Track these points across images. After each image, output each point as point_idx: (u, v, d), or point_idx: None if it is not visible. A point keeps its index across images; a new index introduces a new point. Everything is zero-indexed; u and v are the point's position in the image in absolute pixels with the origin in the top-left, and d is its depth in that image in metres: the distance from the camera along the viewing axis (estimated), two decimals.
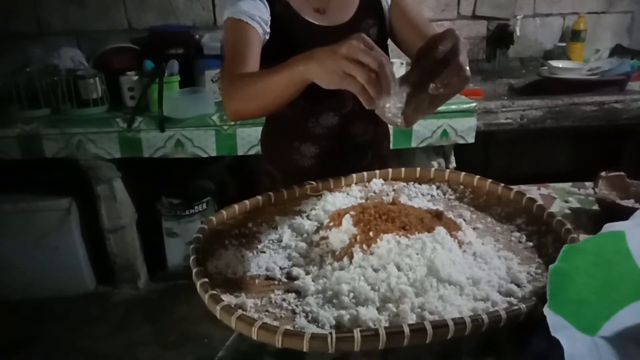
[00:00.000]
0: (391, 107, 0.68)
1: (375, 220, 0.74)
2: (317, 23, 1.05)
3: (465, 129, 2.01)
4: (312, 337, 0.52)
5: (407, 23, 1.08)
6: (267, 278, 0.70)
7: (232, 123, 1.96)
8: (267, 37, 1.02)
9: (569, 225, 0.74)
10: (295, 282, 0.68)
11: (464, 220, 0.85)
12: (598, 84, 2.16)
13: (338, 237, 0.73)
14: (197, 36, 2.35)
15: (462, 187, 0.95)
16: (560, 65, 2.26)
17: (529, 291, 0.65)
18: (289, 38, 1.03)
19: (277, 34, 1.02)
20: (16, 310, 2.17)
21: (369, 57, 0.65)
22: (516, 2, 2.60)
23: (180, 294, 2.21)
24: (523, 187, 1.07)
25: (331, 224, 0.77)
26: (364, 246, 0.69)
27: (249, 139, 1.99)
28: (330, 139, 1.11)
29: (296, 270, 0.71)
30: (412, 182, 0.98)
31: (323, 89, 0.94)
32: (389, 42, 1.12)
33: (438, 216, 0.78)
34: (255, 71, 0.92)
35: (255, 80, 0.85)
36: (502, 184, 0.89)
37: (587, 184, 1.13)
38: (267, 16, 1.01)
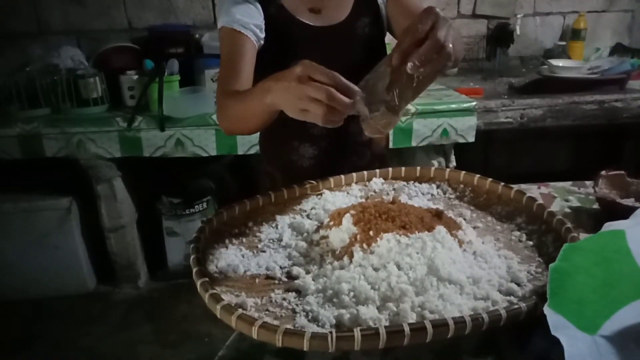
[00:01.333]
0: (363, 116, 0.69)
1: (376, 219, 0.74)
2: (312, 24, 1.05)
3: (465, 128, 2.01)
4: (312, 336, 0.52)
5: (409, 16, 1.06)
6: (268, 277, 0.70)
7: None
8: (262, 42, 1.02)
9: (569, 224, 0.74)
10: (296, 281, 0.68)
11: (464, 219, 0.85)
12: (598, 83, 2.15)
13: (338, 236, 0.73)
14: (197, 35, 2.35)
15: (462, 186, 0.95)
16: (561, 64, 2.26)
17: (529, 290, 0.65)
18: (285, 40, 1.03)
19: (273, 37, 1.02)
20: (16, 309, 2.17)
21: (316, 92, 0.64)
22: (516, 1, 2.60)
23: (180, 293, 2.21)
24: (523, 186, 1.07)
25: (331, 223, 0.77)
26: (364, 245, 0.69)
27: (249, 138, 1.99)
28: (329, 139, 1.11)
29: (296, 270, 0.71)
30: (412, 181, 0.98)
31: None
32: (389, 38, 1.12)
33: (438, 215, 0.78)
34: (240, 91, 0.92)
35: (238, 103, 0.87)
36: (502, 183, 0.89)
37: (588, 182, 1.13)
38: (260, 21, 1.01)
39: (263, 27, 1.01)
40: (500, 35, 2.55)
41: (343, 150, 1.12)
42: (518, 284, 0.66)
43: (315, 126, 1.09)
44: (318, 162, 1.13)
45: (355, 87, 0.67)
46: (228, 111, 0.92)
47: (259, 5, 1.01)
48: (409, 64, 0.66)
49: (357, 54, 1.06)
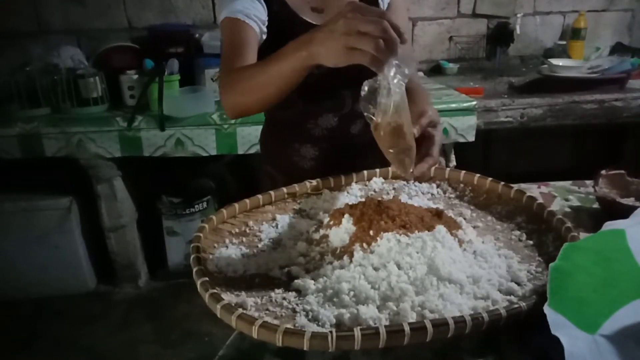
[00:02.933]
0: (396, 73, 0.67)
1: (376, 218, 0.73)
2: (315, 23, 1.05)
3: (465, 128, 2.01)
4: (312, 335, 0.52)
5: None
6: (268, 277, 0.70)
7: (232, 122, 1.96)
8: (264, 36, 1.01)
9: (569, 224, 0.74)
10: (296, 280, 0.68)
11: (464, 218, 0.85)
12: (598, 82, 2.15)
13: (338, 235, 0.73)
14: (197, 35, 2.35)
15: (462, 185, 0.95)
16: (561, 64, 2.26)
17: (529, 289, 0.65)
18: (287, 37, 1.02)
19: (275, 34, 1.01)
20: (17, 309, 2.17)
21: (369, 25, 0.64)
22: (516, 0, 2.60)
23: (180, 292, 2.21)
24: (523, 186, 1.07)
25: (331, 222, 0.77)
26: (364, 245, 0.69)
27: (249, 137, 1.99)
28: (330, 141, 1.11)
29: (296, 269, 0.71)
30: (413, 181, 0.98)
31: (322, 90, 0.93)
32: None
33: (438, 215, 0.78)
34: (253, 64, 0.90)
35: (253, 72, 0.84)
36: (503, 183, 0.89)
37: (588, 182, 1.13)
38: (264, 16, 1.00)
39: (266, 22, 1.00)
40: (501, 34, 2.55)
41: (344, 151, 1.12)
42: (518, 284, 0.66)
43: (316, 127, 1.11)
44: (319, 164, 1.12)
45: (401, 28, 0.66)
46: (241, 84, 0.86)
47: (262, 1, 1.01)
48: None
49: None
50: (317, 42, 0.70)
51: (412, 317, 0.59)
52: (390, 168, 1.00)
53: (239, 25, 0.96)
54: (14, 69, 2.10)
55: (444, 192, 0.95)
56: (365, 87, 0.70)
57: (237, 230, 0.81)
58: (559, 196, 1.08)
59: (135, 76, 2.09)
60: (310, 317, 0.61)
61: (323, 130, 1.09)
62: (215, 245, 0.76)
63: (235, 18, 0.96)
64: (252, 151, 2.01)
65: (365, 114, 0.71)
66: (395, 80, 0.67)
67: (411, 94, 0.78)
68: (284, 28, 1.02)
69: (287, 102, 0.93)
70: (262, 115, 2.04)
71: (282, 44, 1.02)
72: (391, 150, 0.73)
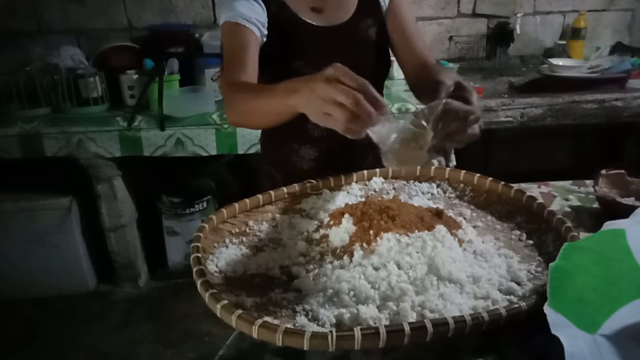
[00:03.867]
0: (381, 136, 0.67)
1: (376, 218, 0.74)
2: (314, 23, 1.05)
3: None
4: (312, 335, 0.52)
5: (399, 30, 1.09)
6: (268, 277, 0.70)
7: None
8: (265, 39, 1.01)
9: (569, 223, 0.74)
10: (296, 280, 0.68)
11: (464, 218, 0.85)
12: (598, 82, 2.15)
13: (338, 235, 0.73)
14: (197, 35, 2.35)
15: (462, 185, 0.95)
16: (561, 63, 2.25)
17: (529, 289, 0.65)
18: (287, 39, 1.03)
19: (275, 35, 1.02)
20: (17, 308, 2.17)
21: (343, 95, 0.62)
22: (516, 0, 2.60)
23: (180, 292, 2.22)
24: (523, 185, 1.07)
25: (331, 222, 0.77)
26: (364, 244, 0.69)
27: (249, 137, 1.99)
28: (329, 142, 1.10)
29: (296, 269, 0.71)
30: (412, 181, 0.98)
31: None
32: None
33: (438, 214, 0.78)
34: (251, 85, 0.91)
35: (251, 98, 0.85)
36: (503, 182, 0.89)
37: (588, 182, 1.13)
38: (263, 18, 1.00)
39: (266, 23, 1.01)
40: (501, 34, 2.55)
41: (344, 152, 1.11)
42: (518, 283, 0.66)
43: (316, 128, 1.10)
44: (318, 164, 1.12)
45: (383, 101, 0.66)
46: (239, 106, 0.88)
47: (261, 3, 1.01)
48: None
49: (360, 56, 1.06)
50: (301, 96, 0.69)
51: (412, 317, 0.59)
52: (390, 168, 0.99)
53: (240, 30, 0.97)
54: (13, 69, 2.10)
55: (444, 192, 0.95)
56: (374, 138, 0.69)
57: (237, 230, 0.81)
58: (559, 196, 1.08)
59: (135, 76, 2.09)
60: (310, 317, 0.61)
61: (322, 131, 1.09)
62: (215, 245, 0.76)
63: (236, 22, 0.97)
64: (252, 151, 2.01)
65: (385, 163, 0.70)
66: (389, 136, 0.66)
67: (442, 79, 0.75)
68: (284, 29, 1.02)
69: None
70: None
71: (282, 44, 1.02)
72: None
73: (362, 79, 0.64)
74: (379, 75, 1.11)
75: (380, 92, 1.12)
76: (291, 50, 1.03)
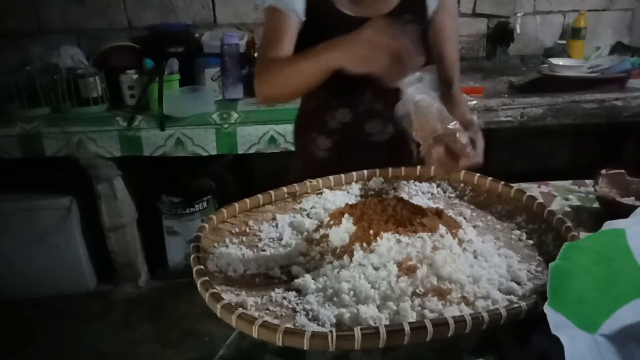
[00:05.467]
0: (418, 88, 0.72)
1: (376, 218, 0.74)
2: (350, 13, 1.06)
3: None
4: (312, 335, 0.52)
5: (434, 37, 1.10)
6: (268, 276, 0.70)
7: (232, 122, 1.97)
8: (302, 26, 1.05)
9: (569, 223, 0.74)
10: (296, 280, 0.68)
11: (464, 218, 0.85)
12: (598, 82, 2.15)
13: (338, 235, 0.73)
14: (197, 34, 2.34)
15: (462, 185, 0.95)
16: (561, 63, 2.25)
17: (529, 289, 0.65)
18: (320, 27, 1.05)
19: (312, 23, 1.05)
20: (17, 308, 2.17)
21: (392, 41, 0.69)
22: (516, 0, 2.60)
23: (180, 292, 2.21)
24: (523, 185, 1.07)
25: (331, 222, 0.77)
26: (364, 244, 0.69)
27: (249, 137, 1.99)
28: (344, 135, 1.14)
29: (296, 269, 0.71)
30: (413, 180, 0.98)
31: (343, 84, 0.98)
32: None
33: (438, 214, 0.78)
34: (287, 56, 0.97)
35: (285, 65, 0.92)
36: (503, 182, 0.89)
37: (588, 181, 1.13)
38: (303, 6, 1.04)
39: (304, 10, 1.05)
40: (501, 34, 2.55)
41: (357, 147, 1.14)
42: (518, 283, 0.66)
43: (333, 119, 1.14)
44: (332, 155, 1.16)
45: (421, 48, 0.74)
46: (272, 74, 0.94)
47: None
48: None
49: None
50: (344, 47, 0.76)
51: (412, 317, 0.58)
52: (390, 168, 1.00)
53: (280, 15, 1.02)
54: (13, 68, 2.10)
55: (444, 192, 0.95)
56: (398, 108, 0.75)
57: (237, 230, 0.81)
58: (559, 196, 1.08)
59: (135, 76, 2.09)
60: (310, 316, 0.61)
61: (338, 124, 1.13)
62: (215, 245, 0.76)
63: (278, 8, 1.02)
64: (252, 151, 2.01)
65: (410, 133, 0.76)
66: (418, 97, 0.72)
67: (455, 105, 0.84)
68: (319, 16, 1.05)
69: (314, 91, 1.00)
70: (264, 116, 2.05)
71: (315, 32, 1.06)
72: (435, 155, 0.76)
73: (402, 29, 0.71)
74: None
75: None
76: (322, 38, 1.05)
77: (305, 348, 0.52)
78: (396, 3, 1.07)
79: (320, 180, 0.93)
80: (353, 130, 1.13)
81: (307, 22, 1.05)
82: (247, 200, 0.85)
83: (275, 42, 1.00)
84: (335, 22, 1.05)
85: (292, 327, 0.57)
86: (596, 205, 1.01)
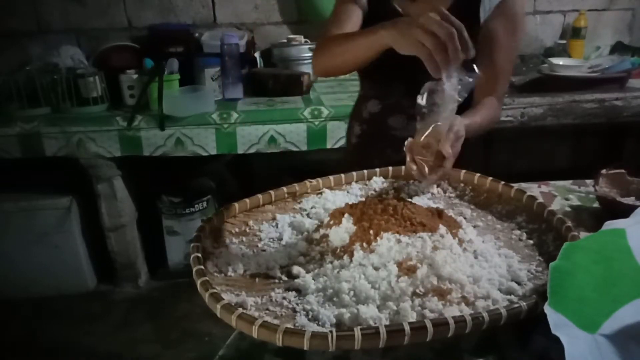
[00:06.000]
0: (449, 84, 0.72)
1: (376, 218, 0.73)
2: (403, 12, 1.08)
3: None
4: (312, 335, 0.52)
5: (484, 45, 1.08)
6: (268, 276, 0.70)
7: (232, 121, 1.97)
8: (364, 17, 1.11)
9: (569, 223, 0.73)
10: (296, 280, 0.68)
11: (465, 218, 0.85)
12: (599, 82, 2.15)
13: (338, 235, 0.73)
14: (196, 34, 2.35)
15: (462, 185, 0.95)
16: (561, 63, 2.25)
17: (529, 289, 0.64)
18: (375, 21, 1.06)
19: (368, 16, 1.11)
20: (17, 308, 2.17)
21: (439, 27, 0.70)
22: None
23: (180, 292, 2.21)
24: (523, 185, 1.07)
25: (331, 222, 0.77)
26: (365, 244, 0.69)
27: (249, 137, 1.99)
28: (371, 125, 1.20)
29: (296, 269, 0.70)
30: (413, 180, 0.98)
31: (378, 75, 1.10)
32: None
33: (438, 214, 0.78)
34: (346, 33, 1.03)
35: (342, 39, 0.97)
36: (503, 182, 0.89)
37: (588, 181, 1.13)
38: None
39: (366, 3, 1.11)
40: None
41: (379, 139, 1.18)
42: (518, 283, 0.66)
43: (365, 109, 1.20)
44: (359, 143, 1.23)
45: (473, 49, 0.72)
46: (327, 49, 1.02)
47: None
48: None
49: None
50: (396, 26, 0.78)
51: (412, 317, 0.58)
52: (390, 167, 0.99)
53: (347, 7, 1.10)
54: (13, 68, 2.10)
55: (444, 192, 0.95)
56: (426, 86, 0.76)
57: (237, 229, 0.81)
58: (559, 195, 1.08)
59: (135, 76, 2.09)
60: (310, 316, 0.61)
61: (368, 114, 1.20)
62: (215, 244, 0.76)
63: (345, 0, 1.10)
64: (252, 151, 2.01)
65: (417, 113, 0.78)
66: (452, 92, 0.73)
67: (471, 114, 0.93)
68: (376, 11, 1.10)
69: (362, 81, 1.13)
70: (264, 116, 2.06)
71: (369, 27, 1.09)
72: (417, 157, 0.81)
73: (459, 22, 0.71)
74: None
75: None
76: None
77: (305, 348, 0.52)
78: (447, 5, 1.07)
79: (320, 180, 0.93)
80: (378, 122, 1.18)
81: (369, 16, 1.10)
82: (247, 200, 0.85)
83: (338, 23, 1.07)
84: (385, 17, 1.07)
85: (292, 327, 0.57)
86: (596, 205, 1.01)
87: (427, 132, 0.79)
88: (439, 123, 0.78)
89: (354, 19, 1.09)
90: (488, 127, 1.08)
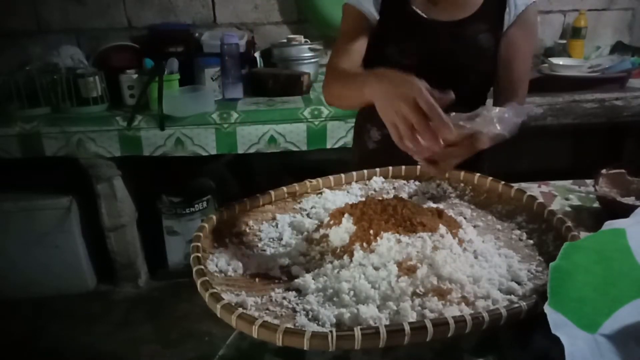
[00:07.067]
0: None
1: (376, 218, 0.73)
2: (423, 14, 1.06)
3: None
4: (312, 335, 0.52)
5: (506, 52, 1.09)
6: (268, 276, 0.70)
7: (232, 121, 1.97)
8: (377, 24, 1.09)
9: (569, 223, 0.73)
10: (296, 280, 0.68)
11: (465, 218, 0.85)
12: (599, 81, 2.15)
13: (338, 235, 0.73)
14: (196, 34, 2.34)
15: (462, 185, 0.95)
16: (561, 63, 2.25)
17: (529, 289, 0.64)
18: (392, 24, 1.07)
19: (386, 22, 1.08)
20: (17, 308, 2.17)
21: (412, 115, 0.66)
22: None
23: (180, 292, 2.22)
24: (523, 185, 1.07)
25: (331, 222, 0.77)
26: (365, 244, 0.69)
27: (249, 137, 1.99)
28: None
29: (296, 269, 0.70)
30: (413, 180, 0.98)
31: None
32: None
33: (438, 214, 0.78)
34: (345, 73, 1.00)
35: (341, 84, 0.96)
36: (503, 182, 0.89)
37: (588, 181, 1.13)
38: (377, 5, 1.08)
39: (378, 9, 1.09)
40: None
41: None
42: (518, 283, 0.66)
43: None
44: (380, 148, 1.20)
45: (451, 127, 0.67)
46: (332, 89, 1.03)
47: None
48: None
49: (458, 58, 1.08)
50: (374, 92, 0.75)
51: (412, 317, 0.58)
52: (390, 167, 1.00)
53: (354, 13, 1.08)
54: (13, 68, 2.10)
55: (444, 192, 0.95)
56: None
57: (237, 229, 0.81)
58: (560, 195, 1.08)
59: (135, 75, 2.09)
60: (310, 316, 0.61)
61: None
62: (215, 245, 0.76)
63: (353, 5, 1.09)
64: (252, 151, 2.01)
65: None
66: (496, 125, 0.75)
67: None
68: (392, 12, 1.08)
69: None
70: (264, 116, 2.06)
71: (386, 28, 1.09)
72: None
73: (436, 105, 0.65)
74: (477, 81, 1.14)
75: (480, 99, 1.15)
76: (391, 36, 1.08)
77: (305, 348, 0.52)
78: (472, 12, 1.07)
79: (320, 180, 0.93)
80: None
81: (382, 20, 1.08)
82: (247, 200, 0.85)
83: (347, 47, 1.05)
84: (403, 19, 1.07)
85: (292, 327, 0.57)
86: (596, 205, 1.01)
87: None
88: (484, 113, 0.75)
89: (362, 34, 1.07)
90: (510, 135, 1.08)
